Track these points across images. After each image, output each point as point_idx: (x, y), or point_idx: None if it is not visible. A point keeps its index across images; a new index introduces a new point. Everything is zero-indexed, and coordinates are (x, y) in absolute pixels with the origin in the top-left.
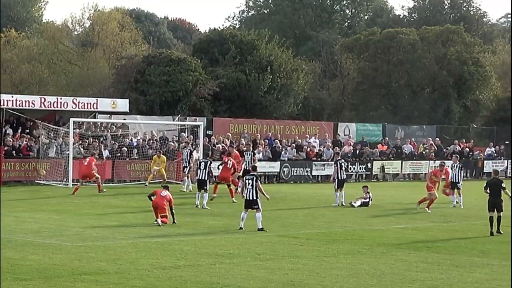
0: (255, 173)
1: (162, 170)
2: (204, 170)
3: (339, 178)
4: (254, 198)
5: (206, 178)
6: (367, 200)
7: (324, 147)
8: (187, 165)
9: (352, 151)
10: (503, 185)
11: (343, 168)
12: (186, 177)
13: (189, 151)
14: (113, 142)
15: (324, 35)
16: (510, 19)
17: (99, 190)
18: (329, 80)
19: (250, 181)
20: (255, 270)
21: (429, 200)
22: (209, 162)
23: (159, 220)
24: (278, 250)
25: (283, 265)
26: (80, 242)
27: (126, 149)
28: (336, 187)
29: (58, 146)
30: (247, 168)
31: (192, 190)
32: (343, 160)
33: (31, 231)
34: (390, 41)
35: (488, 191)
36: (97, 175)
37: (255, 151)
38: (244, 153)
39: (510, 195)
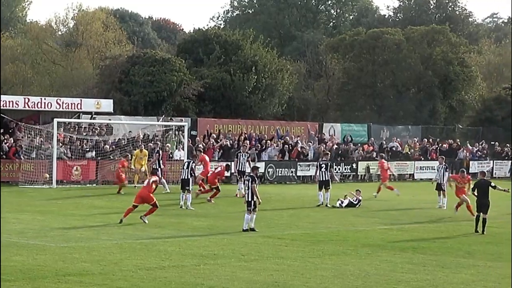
0: (252, 174)
1: (145, 166)
2: (186, 170)
3: (321, 179)
4: (249, 199)
5: (188, 178)
6: (356, 202)
7: (311, 145)
8: (157, 167)
9: (334, 150)
10: (492, 184)
11: (323, 169)
12: (163, 179)
13: (158, 152)
14: (97, 142)
15: (309, 35)
16: (495, 20)
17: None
18: (314, 80)
19: (247, 182)
20: (240, 271)
21: (466, 205)
22: (191, 161)
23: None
24: (263, 251)
25: (268, 266)
26: (64, 243)
27: (109, 149)
28: (318, 187)
29: (41, 147)
30: (241, 169)
31: (169, 191)
32: (324, 161)
33: (15, 231)
34: (375, 41)
35: (475, 193)
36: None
37: (247, 152)
38: (239, 154)
39: (502, 189)
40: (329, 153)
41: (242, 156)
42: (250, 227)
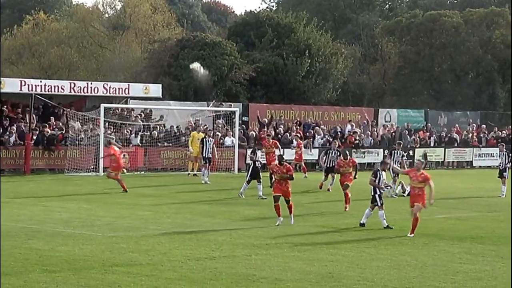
0: (379, 169)
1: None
2: (255, 159)
3: (328, 165)
4: (373, 194)
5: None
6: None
7: (364, 135)
8: (206, 155)
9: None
10: None
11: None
12: (206, 168)
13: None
14: (145, 128)
15: (364, 18)
16: None
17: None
18: (369, 64)
19: (373, 177)
20: (293, 261)
21: None
22: (257, 149)
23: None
24: (316, 241)
25: (321, 256)
26: (111, 232)
27: (159, 136)
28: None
29: (88, 133)
30: (330, 166)
31: (209, 183)
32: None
33: (60, 221)
34: (433, 24)
35: None
36: None
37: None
38: (329, 151)
39: None
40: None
41: (332, 153)
42: (384, 225)
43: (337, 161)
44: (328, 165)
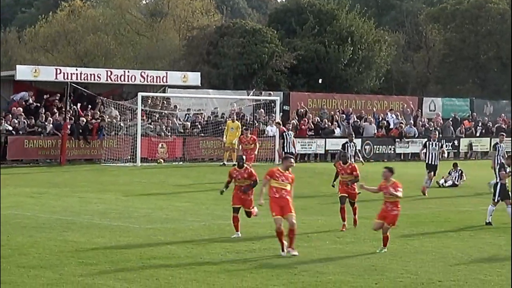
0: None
1: (237, 139)
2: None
3: (285, 151)
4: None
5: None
6: (457, 181)
7: (407, 125)
8: (288, 149)
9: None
10: None
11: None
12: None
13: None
14: (184, 118)
15: (408, 4)
16: None
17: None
18: (413, 52)
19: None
20: (335, 254)
21: None
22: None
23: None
24: (359, 233)
25: (364, 249)
26: (148, 224)
27: (197, 125)
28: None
29: (125, 123)
30: (432, 163)
31: None
32: (287, 132)
33: (97, 212)
34: (478, 11)
35: None
36: None
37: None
38: (428, 142)
39: None
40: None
41: (432, 146)
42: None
43: (336, 163)
44: (429, 162)
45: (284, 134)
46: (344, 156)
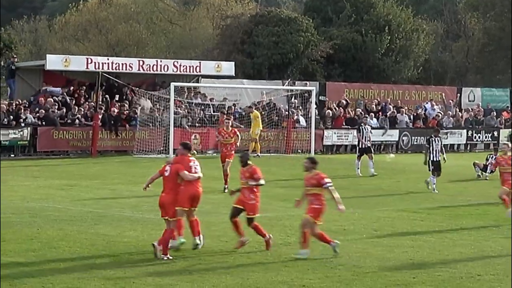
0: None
1: (258, 130)
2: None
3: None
4: None
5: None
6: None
7: (445, 116)
8: (364, 145)
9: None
10: None
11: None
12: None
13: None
14: (218, 108)
15: None
16: None
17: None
18: (452, 41)
19: None
20: (372, 247)
21: None
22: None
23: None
24: (396, 226)
25: (402, 242)
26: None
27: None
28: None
29: (157, 113)
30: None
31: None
32: (364, 126)
33: (128, 205)
34: None
35: None
36: None
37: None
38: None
39: None
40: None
41: (435, 142)
42: None
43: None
44: (433, 159)
45: (360, 127)
46: (243, 157)
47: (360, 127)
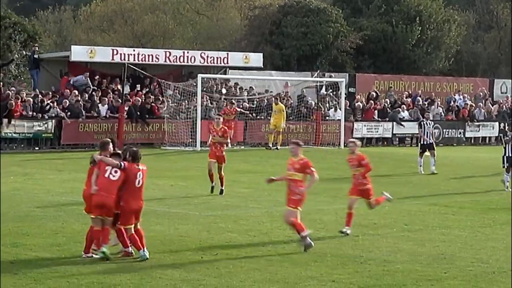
0: None
1: (283, 123)
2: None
3: (422, 142)
4: None
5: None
6: None
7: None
8: (427, 141)
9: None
10: None
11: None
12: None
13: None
14: (245, 100)
15: None
16: None
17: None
18: (484, 32)
19: None
20: (403, 242)
21: None
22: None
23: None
24: (427, 220)
25: (433, 237)
26: (208, 211)
27: (259, 108)
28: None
29: (184, 105)
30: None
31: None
32: (426, 121)
33: (154, 198)
34: None
35: None
36: None
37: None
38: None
39: None
40: None
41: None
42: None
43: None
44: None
45: (422, 122)
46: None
47: (422, 123)
